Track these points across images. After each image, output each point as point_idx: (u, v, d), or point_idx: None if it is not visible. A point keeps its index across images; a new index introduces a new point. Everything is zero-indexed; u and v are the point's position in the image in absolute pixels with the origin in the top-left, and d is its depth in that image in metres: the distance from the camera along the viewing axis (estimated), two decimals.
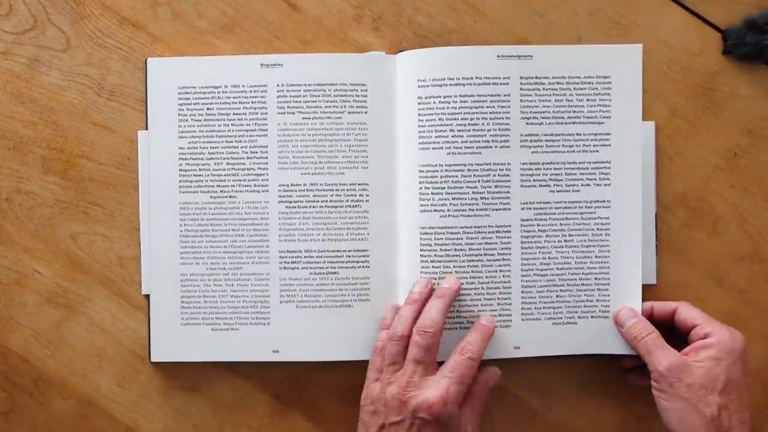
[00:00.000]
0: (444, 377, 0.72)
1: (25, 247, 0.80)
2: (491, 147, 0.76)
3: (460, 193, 0.76)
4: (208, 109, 0.78)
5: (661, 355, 0.72)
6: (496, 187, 0.76)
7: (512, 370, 0.80)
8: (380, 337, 0.76)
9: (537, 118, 0.77)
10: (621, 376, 0.80)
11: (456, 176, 0.76)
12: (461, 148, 0.76)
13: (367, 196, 0.78)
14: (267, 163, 0.78)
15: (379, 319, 0.78)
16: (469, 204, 0.76)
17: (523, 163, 0.77)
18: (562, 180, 0.77)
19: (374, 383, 0.74)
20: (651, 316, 0.77)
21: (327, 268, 0.79)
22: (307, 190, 0.78)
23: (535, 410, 0.81)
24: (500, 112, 0.76)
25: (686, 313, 0.75)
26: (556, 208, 0.77)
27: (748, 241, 0.81)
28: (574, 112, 0.77)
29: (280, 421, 0.81)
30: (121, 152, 0.80)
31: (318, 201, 0.78)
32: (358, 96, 0.78)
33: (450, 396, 0.71)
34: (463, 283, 0.77)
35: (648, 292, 0.80)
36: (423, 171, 0.76)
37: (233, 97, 0.78)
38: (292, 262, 0.79)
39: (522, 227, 0.77)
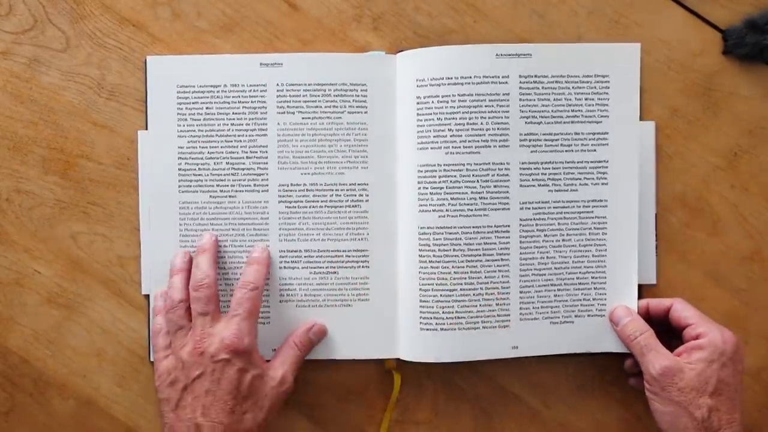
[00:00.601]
0: (232, 316, 0.73)
1: (25, 247, 0.80)
2: (490, 146, 0.76)
3: (459, 193, 0.76)
4: (207, 108, 0.78)
5: (654, 358, 0.73)
6: (495, 186, 0.76)
7: (511, 369, 0.81)
8: (156, 322, 0.76)
9: (536, 117, 0.77)
10: (621, 376, 0.80)
11: (455, 176, 0.76)
12: (460, 147, 0.76)
13: (367, 196, 0.78)
14: (267, 163, 0.78)
15: (378, 319, 0.78)
16: (468, 204, 0.76)
17: (522, 163, 0.77)
18: (560, 179, 0.77)
19: (165, 359, 0.74)
20: (647, 314, 0.77)
21: (327, 267, 0.79)
22: (307, 190, 0.78)
23: (534, 410, 0.81)
24: (499, 112, 0.76)
25: (680, 311, 0.75)
26: (554, 207, 0.77)
27: (748, 241, 0.81)
28: (572, 111, 0.77)
29: (280, 421, 0.81)
30: (121, 152, 0.80)
31: (318, 201, 0.78)
32: (358, 96, 0.78)
33: (243, 330, 0.72)
34: (462, 284, 0.77)
35: (648, 292, 0.80)
36: (422, 171, 0.76)
37: (233, 97, 0.78)
38: (292, 262, 0.79)
39: (521, 227, 0.77)
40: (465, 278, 0.77)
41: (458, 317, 0.77)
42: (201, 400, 0.71)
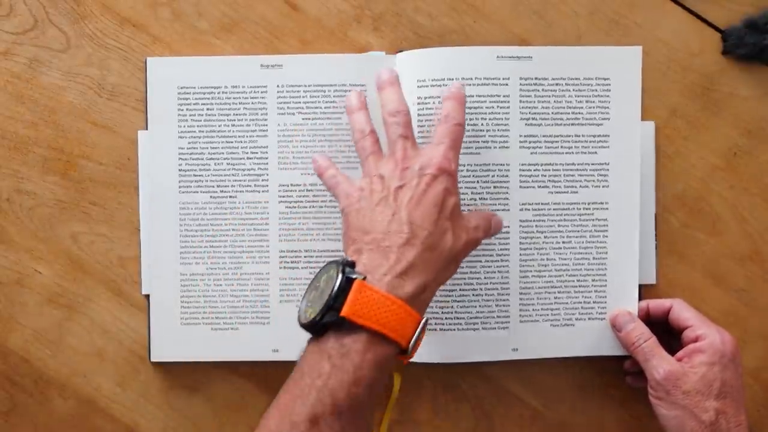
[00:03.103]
0: (440, 143, 0.69)
1: (26, 247, 0.80)
2: (490, 148, 0.76)
3: (459, 194, 0.76)
4: (208, 109, 0.78)
5: (658, 363, 0.73)
6: (494, 187, 0.76)
7: (512, 370, 0.81)
8: (357, 120, 0.73)
9: (536, 119, 0.77)
10: (620, 377, 0.80)
11: None
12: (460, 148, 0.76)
13: None
14: (267, 164, 0.78)
15: None
16: (468, 205, 0.76)
17: (522, 164, 0.77)
18: (560, 181, 0.77)
19: (356, 183, 0.70)
20: (647, 315, 0.77)
21: None
22: (307, 190, 0.78)
23: (534, 410, 0.81)
24: (499, 113, 0.76)
25: (679, 312, 0.76)
26: (554, 209, 0.77)
27: (747, 241, 0.81)
28: (573, 113, 0.77)
29: None
30: (121, 152, 0.80)
31: (318, 201, 0.78)
32: None
33: (450, 156, 0.69)
34: (461, 284, 0.77)
35: (648, 292, 0.80)
36: None
37: (233, 98, 0.78)
38: (292, 262, 0.79)
39: (521, 228, 0.77)
40: (464, 279, 0.77)
41: (457, 318, 0.77)
42: (405, 204, 0.66)
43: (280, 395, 0.62)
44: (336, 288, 0.61)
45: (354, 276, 0.62)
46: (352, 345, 0.61)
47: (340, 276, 0.62)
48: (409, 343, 0.63)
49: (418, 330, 0.63)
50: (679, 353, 0.73)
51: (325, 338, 0.62)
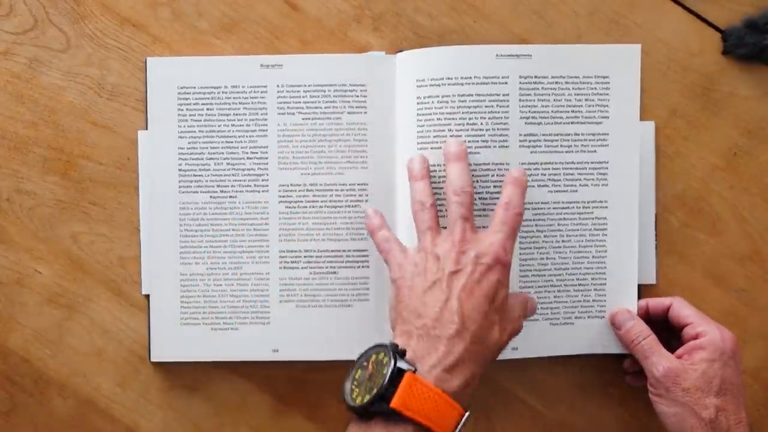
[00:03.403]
0: (497, 231, 0.69)
1: (26, 247, 0.80)
2: (490, 147, 0.76)
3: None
4: (208, 109, 0.78)
5: (657, 360, 0.73)
6: (494, 187, 0.76)
7: (511, 369, 0.81)
8: (380, 222, 0.74)
9: (536, 117, 0.77)
10: (620, 376, 0.80)
11: None
12: None
13: (367, 196, 0.78)
14: (267, 164, 0.78)
15: (379, 320, 0.78)
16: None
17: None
18: (560, 180, 0.77)
19: (409, 255, 0.71)
20: (646, 313, 0.77)
21: (327, 267, 0.79)
22: (307, 190, 0.78)
23: (534, 410, 0.81)
24: (499, 112, 0.76)
25: (679, 310, 0.76)
26: (554, 208, 0.77)
27: (747, 241, 0.81)
28: (572, 111, 0.77)
29: (280, 421, 0.81)
30: (121, 152, 0.80)
31: (318, 201, 0.78)
32: (358, 96, 0.78)
33: (508, 246, 0.69)
34: None
35: (648, 292, 0.80)
36: None
37: (233, 98, 0.78)
38: (292, 262, 0.79)
39: (521, 228, 0.77)
40: None
41: None
42: (457, 293, 0.67)
43: None
44: (387, 378, 0.62)
45: (405, 367, 0.63)
46: None
47: (391, 365, 0.63)
48: None
49: (462, 423, 0.64)
50: (679, 350, 0.73)
51: (373, 424, 0.64)
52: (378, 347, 0.66)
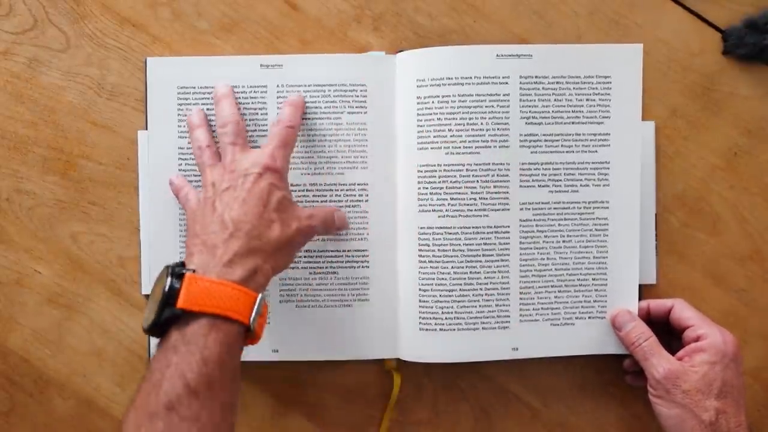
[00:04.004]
0: (267, 145, 0.73)
1: (26, 247, 0.80)
2: (490, 147, 0.76)
3: (459, 194, 0.76)
4: (207, 109, 0.78)
5: (658, 362, 0.73)
6: (494, 187, 0.76)
7: (511, 369, 0.81)
8: (195, 137, 0.76)
9: (536, 117, 0.77)
10: (620, 376, 0.80)
11: (454, 176, 0.76)
12: (460, 148, 0.76)
13: (367, 196, 0.78)
14: None
15: (378, 319, 0.78)
16: (468, 204, 0.76)
17: (522, 164, 0.77)
18: (561, 180, 0.77)
19: (194, 197, 0.74)
20: (647, 315, 0.77)
21: (327, 268, 0.79)
22: (307, 190, 0.78)
23: (534, 410, 0.81)
24: (499, 112, 0.76)
25: (680, 312, 0.76)
26: (554, 208, 0.77)
27: (748, 241, 0.81)
28: (573, 111, 0.77)
29: (280, 421, 0.81)
30: (121, 152, 0.80)
31: (318, 201, 0.78)
32: (358, 96, 0.78)
33: (277, 153, 0.72)
34: (461, 284, 0.77)
35: (648, 292, 0.80)
36: (422, 171, 0.76)
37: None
38: (292, 262, 0.78)
39: (521, 228, 0.77)
40: (464, 279, 0.77)
41: (458, 318, 0.77)
42: (230, 204, 0.69)
43: (135, 396, 0.62)
44: (168, 286, 0.63)
45: (184, 271, 0.64)
46: (195, 331, 0.62)
47: (169, 276, 0.63)
48: (250, 319, 0.64)
49: (256, 306, 0.65)
50: (680, 352, 0.74)
51: (168, 335, 0.63)
52: (161, 273, 0.66)
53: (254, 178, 0.70)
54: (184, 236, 0.78)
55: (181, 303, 0.62)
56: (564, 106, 0.77)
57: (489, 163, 0.76)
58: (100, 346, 0.81)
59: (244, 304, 0.64)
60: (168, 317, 0.62)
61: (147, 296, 0.79)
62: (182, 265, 0.65)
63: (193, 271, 0.64)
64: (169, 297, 0.62)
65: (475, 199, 0.76)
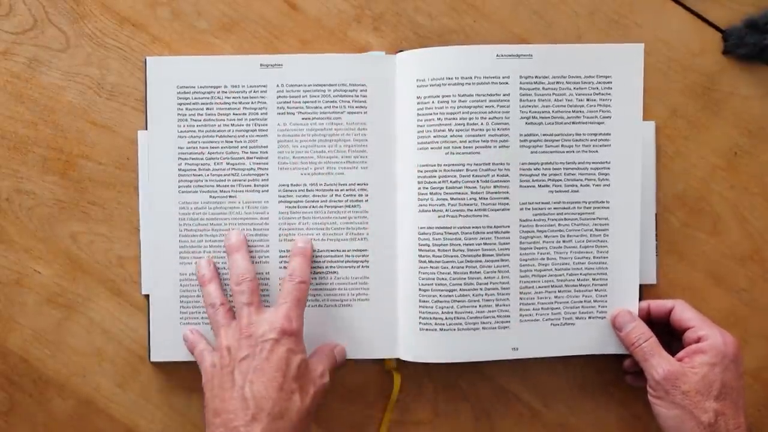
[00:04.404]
0: (282, 304, 0.73)
1: (25, 247, 0.80)
2: (490, 147, 0.76)
3: (459, 193, 0.76)
4: (207, 109, 0.78)
5: (657, 363, 0.73)
6: (494, 187, 0.76)
7: (511, 370, 0.81)
8: (207, 292, 0.76)
9: (536, 117, 0.77)
10: (620, 376, 0.80)
11: (454, 176, 0.76)
12: (460, 148, 0.76)
13: (367, 196, 0.78)
14: (267, 163, 0.78)
15: (378, 319, 0.78)
16: (468, 204, 0.76)
17: (522, 164, 0.77)
18: (561, 180, 0.77)
19: (211, 353, 0.74)
20: (648, 315, 0.77)
21: (327, 267, 0.79)
22: (307, 190, 0.78)
23: (534, 410, 0.81)
24: (499, 112, 0.76)
25: (681, 313, 0.76)
26: (555, 208, 0.77)
27: (748, 241, 0.81)
28: (573, 111, 0.77)
29: None
30: (121, 152, 0.80)
31: (318, 201, 0.78)
32: (358, 96, 0.78)
33: (292, 315, 0.72)
34: (461, 284, 0.77)
35: (648, 292, 0.80)
36: (422, 171, 0.76)
37: (233, 97, 0.78)
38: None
39: (521, 228, 0.77)
40: (464, 279, 0.77)
41: (458, 318, 0.77)
42: (248, 376, 0.69)
43: None
44: None
45: None
46: None
47: None
48: None
49: None
50: (680, 353, 0.73)
51: None
52: None
53: (271, 345, 0.70)
54: (184, 236, 0.78)
55: None
56: (564, 106, 0.77)
57: (489, 163, 0.76)
58: (99, 346, 0.81)
59: None
60: None
61: (147, 296, 0.79)
62: None
63: None
64: None
65: (475, 199, 0.76)
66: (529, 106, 0.77)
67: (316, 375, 0.72)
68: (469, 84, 0.76)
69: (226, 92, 0.78)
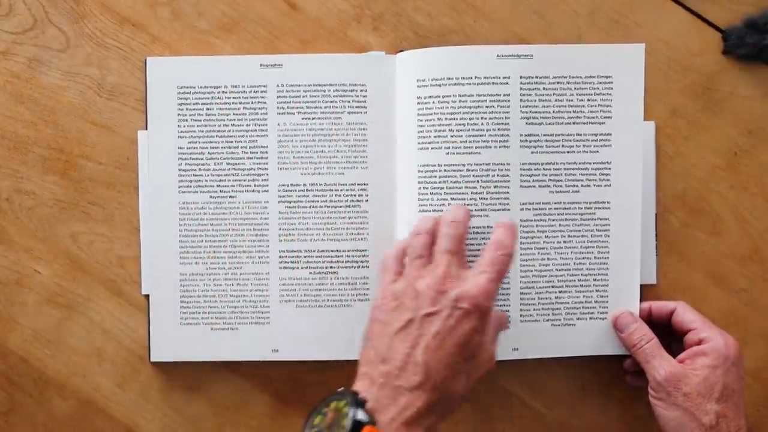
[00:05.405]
0: (483, 272, 0.68)
1: (25, 247, 0.80)
2: (490, 147, 0.76)
3: (459, 194, 0.76)
4: (207, 109, 0.78)
5: (659, 364, 0.73)
6: (495, 187, 0.76)
7: (512, 370, 0.81)
8: (395, 245, 0.73)
9: (537, 118, 0.77)
10: (621, 377, 0.80)
11: (455, 176, 0.76)
12: (460, 148, 0.76)
13: (367, 196, 0.78)
14: (267, 163, 0.78)
15: None
16: (468, 204, 0.76)
17: (523, 164, 0.77)
18: (561, 181, 0.77)
19: (395, 282, 0.69)
20: (649, 316, 0.77)
21: (327, 268, 0.79)
22: (307, 190, 0.78)
23: (534, 411, 0.81)
24: (500, 112, 0.76)
25: (683, 315, 0.76)
26: (555, 209, 0.77)
27: (748, 241, 0.81)
28: (574, 112, 0.77)
29: (280, 421, 0.81)
30: (121, 152, 0.80)
31: (318, 201, 0.78)
32: (358, 96, 0.78)
33: (491, 289, 0.67)
34: None
35: (648, 291, 0.80)
36: (422, 171, 0.76)
37: (233, 98, 0.78)
38: (292, 262, 0.79)
39: (521, 228, 0.77)
40: None
41: None
42: (426, 339, 0.65)
43: None
44: (348, 429, 0.61)
45: (364, 420, 0.62)
46: None
47: (350, 418, 0.61)
48: None
49: None
50: (681, 355, 0.74)
51: None
52: (339, 394, 0.65)
53: (460, 316, 0.65)
54: (184, 236, 0.79)
55: None
56: (565, 106, 0.77)
57: (489, 164, 0.76)
58: (99, 346, 0.81)
59: None
60: None
61: (147, 296, 0.79)
62: (363, 403, 0.63)
63: (373, 422, 0.62)
64: None
65: (475, 199, 0.76)
66: (530, 107, 0.77)
67: (485, 359, 0.68)
68: (470, 84, 0.76)
69: (226, 92, 0.78)
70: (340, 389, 0.65)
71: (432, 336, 0.65)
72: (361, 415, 0.62)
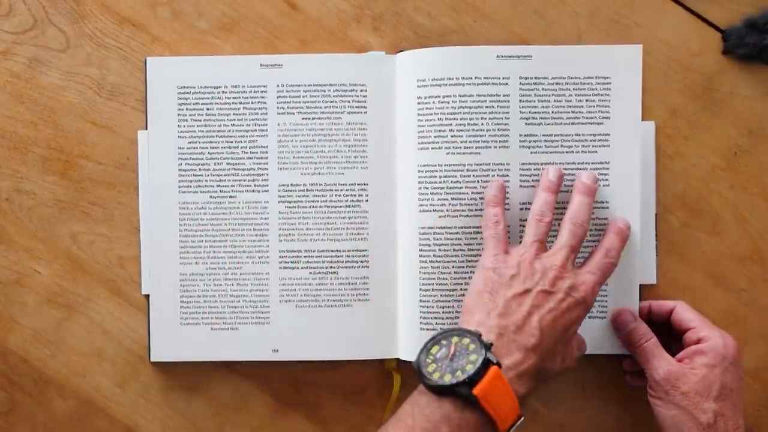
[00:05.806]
0: (590, 273, 0.71)
1: (25, 247, 0.80)
2: (490, 147, 0.76)
3: (459, 194, 0.76)
4: (208, 109, 0.78)
5: (658, 364, 0.73)
6: None
7: None
8: (495, 213, 0.74)
9: (536, 118, 0.77)
10: (620, 376, 0.80)
11: (455, 176, 0.76)
12: (460, 148, 0.76)
13: (367, 196, 0.78)
14: (267, 163, 0.78)
15: (378, 319, 0.78)
16: (468, 204, 0.76)
17: (522, 164, 0.77)
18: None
19: (508, 254, 0.72)
20: (648, 315, 0.77)
21: (327, 268, 0.79)
22: (307, 190, 0.78)
23: (534, 411, 0.81)
24: (499, 113, 0.76)
25: (682, 314, 0.76)
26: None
27: (748, 241, 0.81)
28: (573, 112, 0.77)
29: (280, 421, 0.81)
30: (121, 152, 0.80)
31: (318, 201, 0.78)
32: (358, 96, 0.78)
33: (597, 289, 0.71)
34: (462, 284, 0.77)
35: (648, 291, 0.80)
36: (422, 171, 0.76)
37: (233, 98, 0.78)
38: (292, 262, 0.79)
39: (521, 228, 0.77)
40: (465, 278, 0.77)
41: (458, 317, 0.77)
42: (542, 311, 0.68)
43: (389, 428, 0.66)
44: (479, 366, 0.64)
45: (494, 360, 0.65)
46: (471, 420, 0.64)
47: (482, 354, 0.65)
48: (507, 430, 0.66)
49: (517, 424, 0.66)
50: (680, 354, 0.74)
51: (445, 401, 0.65)
52: (459, 331, 0.67)
53: (571, 304, 0.69)
54: (184, 236, 0.79)
55: (478, 391, 0.63)
56: (564, 106, 0.77)
57: (489, 164, 0.76)
58: (99, 346, 0.81)
59: (511, 418, 0.65)
60: (457, 392, 0.64)
61: (147, 296, 0.79)
62: (489, 345, 0.66)
63: (500, 365, 0.65)
64: (474, 377, 0.64)
65: (475, 199, 0.76)
66: (529, 107, 0.77)
67: (573, 354, 0.72)
68: (470, 84, 0.76)
69: (226, 92, 0.78)
70: (454, 327, 0.68)
71: (548, 311, 0.68)
72: (490, 356, 0.65)
